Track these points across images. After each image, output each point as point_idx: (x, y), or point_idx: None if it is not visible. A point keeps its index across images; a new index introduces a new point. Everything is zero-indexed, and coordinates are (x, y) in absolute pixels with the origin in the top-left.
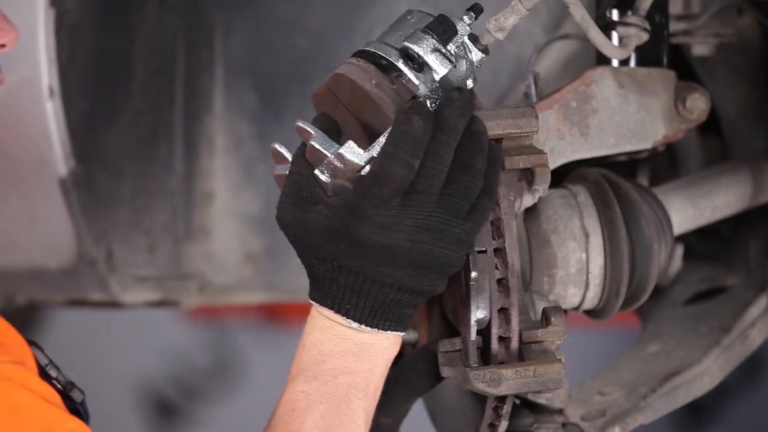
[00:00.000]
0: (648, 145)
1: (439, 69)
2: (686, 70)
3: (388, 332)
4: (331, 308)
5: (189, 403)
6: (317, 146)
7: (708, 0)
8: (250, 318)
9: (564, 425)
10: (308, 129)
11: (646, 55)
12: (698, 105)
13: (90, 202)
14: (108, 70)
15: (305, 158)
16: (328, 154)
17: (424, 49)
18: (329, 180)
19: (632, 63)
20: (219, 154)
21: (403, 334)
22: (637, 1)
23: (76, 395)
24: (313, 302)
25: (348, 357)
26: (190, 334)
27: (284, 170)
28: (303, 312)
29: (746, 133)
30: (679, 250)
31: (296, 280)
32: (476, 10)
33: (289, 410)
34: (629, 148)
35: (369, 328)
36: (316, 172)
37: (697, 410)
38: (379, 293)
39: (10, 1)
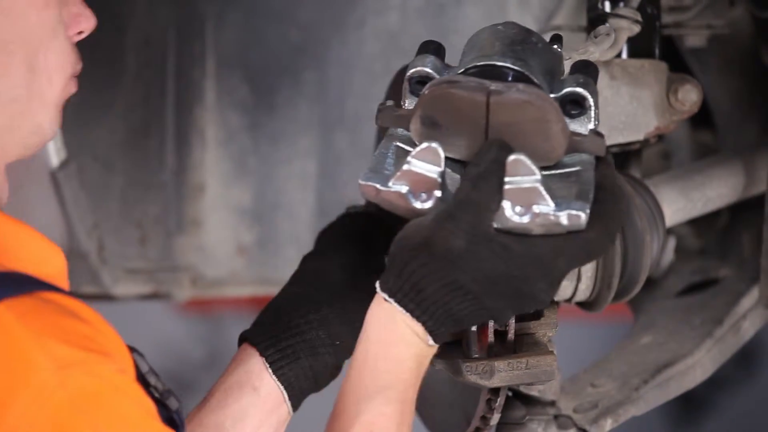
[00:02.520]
0: (640, 137)
1: (593, 122)
2: (678, 61)
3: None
4: (425, 325)
5: (182, 396)
6: (540, 188)
7: None
8: (242, 310)
9: (556, 417)
10: (532, 167)
11: (638, 47)
12: (690, 97)
13: (81, 194)
14: (99, 63)
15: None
16: (547, 199)
17: (594, 100)
18: (524, 221)
19: (624, 54)
20: (210, 147)
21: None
22: None
23: (172, 403)
24: (408, 314)
25: (417, 375)
26: (182, 326)
27: (400, 187)
28: None
29: (738, 125)
30: (672, 242)
31: (288, 272)
32: (558, 39)
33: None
34: (621, 139)
35: (435, 346)
36: (512, 210)
37: (689, 402)
38: (479, 319)
39: None
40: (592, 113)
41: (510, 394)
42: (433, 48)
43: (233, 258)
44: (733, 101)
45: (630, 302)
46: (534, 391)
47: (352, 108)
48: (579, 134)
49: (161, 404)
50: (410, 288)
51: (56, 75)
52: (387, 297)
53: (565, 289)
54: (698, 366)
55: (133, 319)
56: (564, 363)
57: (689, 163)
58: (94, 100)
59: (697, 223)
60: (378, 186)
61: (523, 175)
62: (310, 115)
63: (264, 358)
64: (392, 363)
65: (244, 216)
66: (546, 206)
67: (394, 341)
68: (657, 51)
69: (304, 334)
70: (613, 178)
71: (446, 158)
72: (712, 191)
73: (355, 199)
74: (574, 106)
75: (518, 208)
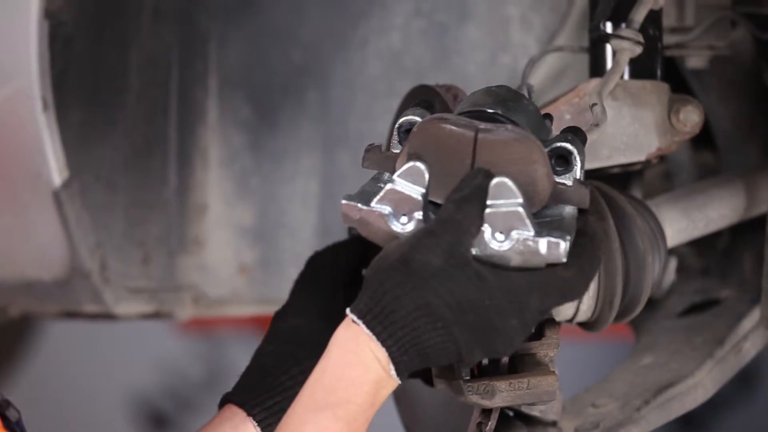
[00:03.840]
0: (641, 158)
1: (579, 173)
2: (680, 82)
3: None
4: (389, 350)
5: (182, 415)
6: (521, 212)
7: (701, 13)
8: (243, 330)
9: None
10: (515, 190)
11: (640, 68)
12: (692, 117)
13: (84, 213)
14: (102, 82)
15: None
16: (528, 224)
17: (581, 158)
18: (503, 247)
19: (626, 75)
20: (213, 166)
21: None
22: (631, 13)
23: (12, 414)
24: (373, 337)
25: (372, 403)
26: (183, 346)
27: (382, 207)
28: None
29: (740, 146)
30: (673, 263)
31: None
32: (549, 117)
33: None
34: (623, 160)
35: (398, 380)
36: (492, 235)
37: (690, 422)
38: (446, 355)
39: (3, 14)
40: (578, 170)
41: (511, 414)
42: (422, 99)
43: (235, 277)
44: (734, 122)
45: (631, 322)
46: (535, 411)
47: (355, 127)
48: (563, 184)
49: (2, 416)
50: (380, 310)
51: None
52: (356, 318)
53: (566, 310)
54: (699, 386)
55: (135, 338)
56: (565, 383)
57: (691, 184)
58: (97, 119)
59: (698, 244)
60: (359, 205)
61: (506, 198)
62: (312, 135)
63: (251, 417)
64: (348, 383)
65: (246, 235)
66: (526, 231)
67: (354, 363)
68: (659, 72)
69: (289, 390)
70: (595, 225)
71: (429, 202)
72: (714, 212)
73: None
74: (561, 161)
75: (498, 234)
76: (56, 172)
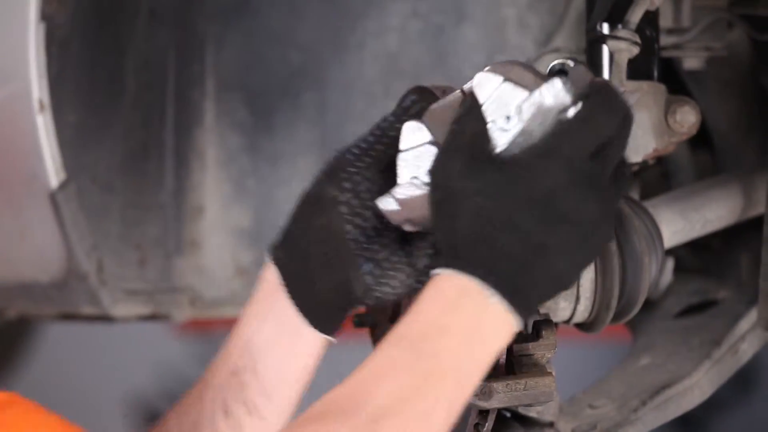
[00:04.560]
0: (638, 159)
1: None
2: (677, 83)
3: (515, 320)
4: (475, 274)
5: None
6: (509, 85)
7: (698, 14)
8: None
9: None
10: (494, 76)
11: (637, 69)
12: (689, 118)
13: (80, 215)
14: (98, 84)
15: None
16: (521, 89)
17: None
18: (517, 127)
19: (623, 77)
20: (210, 168)
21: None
22: (628, 14)
23: None
24: (448, 270)
25: (461, 339)
26: (181, 347)
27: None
28: None
29: (737, 147)
30: (670, 264)
31: None
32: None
33: (367, 372)
34: None
35: (506, 307)
36: (501, 127)
37: (687, 423)
38: (544, 274)
39: (0, 17)
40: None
41: (508, 415)
42: (415, 107)
43: (232, 279)
44: (731, 123)
45: (628, 323)
46: (532, 413)
47: (352, 130)
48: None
49: None
50: (452, 245)
51: None
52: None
53: (563, 310)
54: (696, 387)
55: (132, 340)
56: (562, 384)
57: (688, 185)
58: (94, 121)
59: (695, 245)
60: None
61: (491, 85)
62: (309, 137)
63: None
64: (422, 318)
65: (243, 237)
66: (524, 95)
67: (428, 299)
68: (655, 73)
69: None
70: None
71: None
72: (711, 213)
73: None
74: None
75: (504, 120)
76: (53, 174)
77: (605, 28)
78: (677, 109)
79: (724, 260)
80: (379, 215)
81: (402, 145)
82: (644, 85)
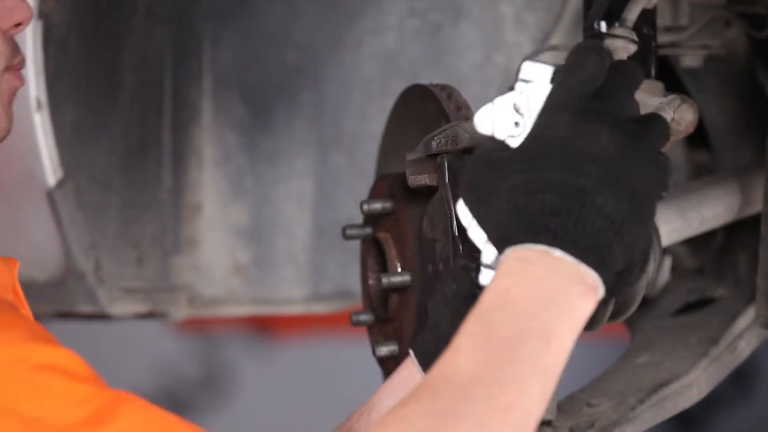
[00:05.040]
0: None
1: None
2: (674, 81)
3: (590, 271)
4: (525, 241)
5: (178, 414)
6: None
7: (696, 12)
8: (239, 330)
9: None
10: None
11: None
12: (686, 117)
13: (78, 214)
14: (96, 83)
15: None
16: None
17: None
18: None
19: None
20: (207, 166)
21: (602, 292)
22: (625, 12)
23: None
24: (500, 255)
25: (535, 302)
26: (179, 346)
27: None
28: (292, 324)
29: (734, 145)
30: (668, 262)
31: (285, 291)
32: None
33: (451, 348)
34: None
35: (572, 259)
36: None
37: (685, 421)
38: (592, 216)
39: None
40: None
41: None
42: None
43: (230, 277)
44: (729, 121)
45: (626, 321)
46: None
47: (349, 128)
48: None
49: None
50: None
51: None
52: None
53: None
54: (694, 385)
55: (130, 338)
56: (560, 382)
57: (685, 183)
58: (91, 119)
59: (693, 243)
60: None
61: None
62: (307, 135)
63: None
64: (492, 292)
65: (240, 235)
66: (514, 96)
67: (497, 276)
68: (653, 71)
69: None
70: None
71: None
72: (709, 211)
73: (352, 218)
74: None
75: (512, 130)
76: (50, 172)
77: (602, 26)
78: (675, 107)
79: (721, 258)
80: None
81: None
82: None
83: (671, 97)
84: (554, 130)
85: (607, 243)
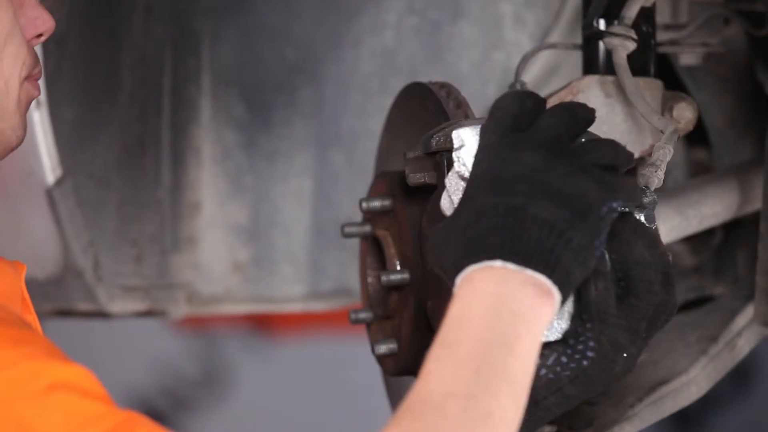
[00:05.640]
0: (635, 155)
1: None
2: (673, 79)
3: (542, 277)
4: (479, 260)
5: (178, 413)
6: None
7: (695, 10)
8: (238, 328)
9: None
10: None
11: (633, 65)
12: (685, 114)
13: (77, 212)
14: (95, 80)
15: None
16: None
17: None
18: None
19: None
20: (206, 164)
21: (558, 295)
22: (624, 10)
23: None
24: (459, 275)
25: (489, 315)
26: (178, 344)
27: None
28: (291, 322)
29: (733, 143)
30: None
31: (284, 289)
32: None
33: (421, 376)
34: None
35: (516, 266)
36: None
37: (684, 419)
38: (528, 226)
39: None
40: None
41: None
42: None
43: (229, 275)
44: (728, 119)
45: None
46: None
47: (348, 126)
48: None
49: None
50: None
51: (11, 80)
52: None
53: None
54: (693, 384)
55: (129, 336)
56: None
57: (684, 181)
58: (90, 117)
59: (692, 241)
60: None
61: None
62: (305, 133)
63: None
64: (449, 318)
65: (239, 234)
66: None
67: (452, 303)
68: (652, 69)
69: None
70: None
71: None
72: (708, 209)
73: (351, 216)
74: None
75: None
76: (49, 170)
77: (601, 24)
78: (674, 106)
79: (720, 256)
80: None
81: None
82: (640, 81)
83: (671, 130)
84: (481, 166)
85: (550, 248)
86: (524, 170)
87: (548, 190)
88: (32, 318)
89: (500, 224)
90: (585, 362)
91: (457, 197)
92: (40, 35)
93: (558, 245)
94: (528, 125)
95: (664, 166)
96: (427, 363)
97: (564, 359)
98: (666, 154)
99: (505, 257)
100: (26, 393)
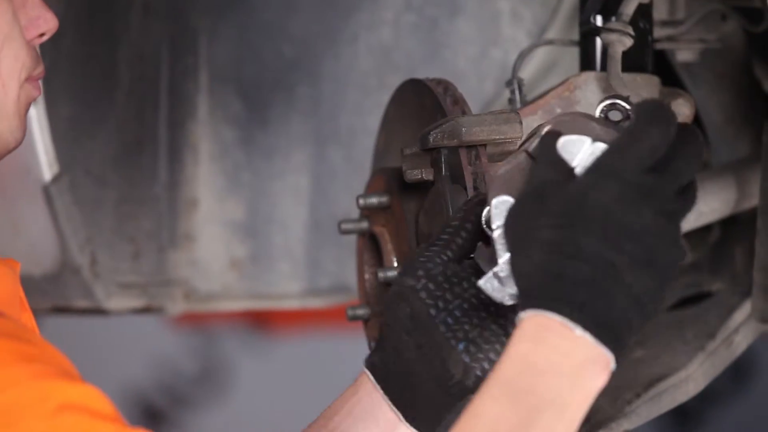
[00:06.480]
0: None
1: None
2: (670, 75)
3: (607, 352)
4: (551, 308)
5: (175, 410)
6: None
7: (692, 6)
8: (235, 325)
9: None
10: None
11: (631, 61)
12: (683, 110)
13: (74, 209)
14: (92, 78)
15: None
16: None
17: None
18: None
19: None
20: (203, 161)
21: (613, 367)
22: (621, 7)
23: None
24: (528, 311)
25: (552, 372)
26: (176, 341)
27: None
28: (289, 318)
29: (730, 139)
30: None
31: (281, 286)
32: None
33: (472, 414)
34: None
35: (593, 339)
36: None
37: (682, 416)
38: (620, 295)
39: None
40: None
41: None
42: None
43: (226, 272)
44: (725, 115)
45: None
46: None
47: (346, 123)
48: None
49: None
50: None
51: (10, 81)
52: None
53: None
54: (691, 380)
55: (126, 333)
56: None
57: None
58: (88, 114)
59: (689, 237)
60: None
61: (582, 151)
62: (303, 130)
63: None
64: (512, 358)
65: (237, 230)
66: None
67: (515, 340)
68: (649, 65)
69: None
70: None
71: None
72: (705, 205)
73: (348, 213)
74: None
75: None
76: (46, 167)
77: (598, 21)
78: (671, 102)
79: (718, 253)
80: (463, 296)
81: (495, 224)
82: (638, 77)
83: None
84: (600, 194)
85: (628, 322)
86: (640, 229)
87: (650, 258)
88: (28, 316)
89: (594, 281)
90: None
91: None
92: (42, 35)
93: (636, 322)
94: (661, 167)
95: None
96: (482, 400)
97: None
98: None
99: (587, 325)
100: (36, 414)
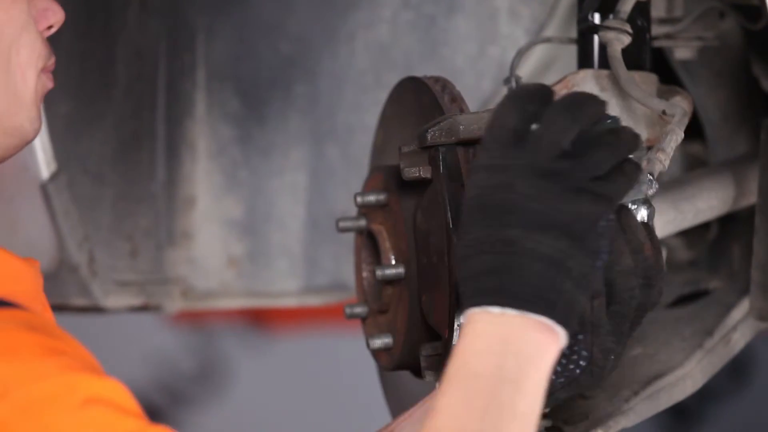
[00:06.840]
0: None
1: None
2: (668, 73)
3: (544, 319)
4: (475, 305)
5: (174, 408)
6: None
7: (690, 4)
8: (233, 322)
9: (547, 429)
10: None
11: (629, 59)
12: (681, 107)
13: (71, 206)
14: (89, 75)
15: None
16: None
17: None
18: None
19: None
20: (201, 159)
21: (562, 331)
22: (619, 4)
23: None
24: (461, 316)
25: (496, 355)
26: (173, 339)
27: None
28: (286, 316)
29: (728, 136)
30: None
31: (279, 284)
32: None
33: (432, 412)
34: None
35: (517, 312)
36: None
37: (680, 413)
38: (525, 262)
39: None
40: None
41: None
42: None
43: (224, 270)
44: (723, 113)
45: None
46: None
47: (343, 120)
48: None
49: None
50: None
51: (29, 71)
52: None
53: None
54: (689, 377)
55: (124, 331)
56: None
57: (680, 175)
58: (85, 112)
59: (687, 235)
60: None
61: None
62: (301, 128)
63: None
64: (454, 356)
65: (234, 228)
66: None
67: (457, 342)
68: (647, 62)
69: None
70: None
71: None
72: (703, 203)
73: (346, 210)
74: None
75: None
76: (44, 164)
77: (596, 18)
78: (669, 99)
79: (716, 250)
80: None
81: None
82: (636, 74)
83: (681, 112)
84: (472, 192)
85: (550, 285)
86: (517, 199)
87: (543, 219)
88: (49, 314)
89: (496, 262)
90: (577, 370)
91: None
92: (50, 27)
93: (558, 279)
94: (528, 132)
95: (671, 152)
96: (438, 398)
97: (558, 368)
98: (677, 138)
99: (504, 303)
100: (62, 406)
